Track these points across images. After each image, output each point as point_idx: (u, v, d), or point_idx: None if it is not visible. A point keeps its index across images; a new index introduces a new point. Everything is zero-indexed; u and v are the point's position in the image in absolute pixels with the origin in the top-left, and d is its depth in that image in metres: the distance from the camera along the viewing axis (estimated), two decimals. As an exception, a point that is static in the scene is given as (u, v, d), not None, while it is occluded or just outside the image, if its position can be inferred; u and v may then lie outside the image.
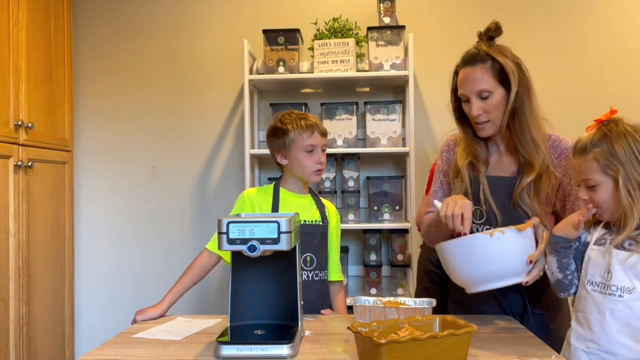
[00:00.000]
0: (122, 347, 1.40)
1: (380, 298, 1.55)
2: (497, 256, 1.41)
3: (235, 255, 1.44)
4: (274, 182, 1.89)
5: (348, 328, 1.23)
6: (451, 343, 1.16)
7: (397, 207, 2.71)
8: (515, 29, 2.83)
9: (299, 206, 1.82)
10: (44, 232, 2.62)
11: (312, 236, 1.79)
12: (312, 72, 2.67)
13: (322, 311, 1.76)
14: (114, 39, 3.02)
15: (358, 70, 2.73)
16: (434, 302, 1.50)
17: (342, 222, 2.67)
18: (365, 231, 2.74)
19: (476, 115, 1.60)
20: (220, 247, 1.32)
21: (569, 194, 1.62)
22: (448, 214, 1.49)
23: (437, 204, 1.55)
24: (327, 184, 2.75)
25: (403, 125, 2.72)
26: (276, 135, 1.83)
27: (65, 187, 2.84)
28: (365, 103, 2.74)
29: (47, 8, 2.67)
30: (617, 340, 1.33)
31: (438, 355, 1.15)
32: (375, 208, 2.72)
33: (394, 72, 2.62)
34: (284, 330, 1.40)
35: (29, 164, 2.46)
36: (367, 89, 2.93)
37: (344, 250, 2.72)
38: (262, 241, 1.31)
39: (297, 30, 2.73)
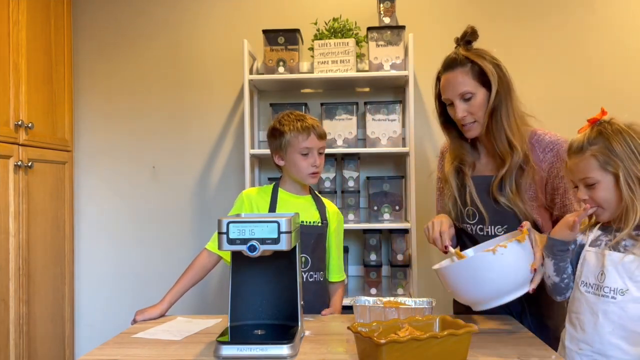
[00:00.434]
0: (122, 347, 1.40)
1: (380, 298, 1.56)
2: (504, 272, 1.40)
3: (235, 255, 1.44)
4: (273, 183, 1.90)
5: (348, 328, 1.23)
6: (451, 343, 1.16)
7: (397, 207, 2.71)
8: (515, 29, 2.84)
9: (298, 207, 1.82)
10: (44, 232, 2.62)
11: (309, 237, 1.79)
12: (312, 72, 2.67)
13: (323, 311, 1.77)
14: (114, 39, 3.02)
15: (358, 71, 2.73)
16: (434, 302, 1.50)
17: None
18: (365, 231, 2.74)
19: (461, 117, 1.65)
20: (220, 247, 1.32)
21: (557, 187, 1.65)
22: (431, 238, 1.64)
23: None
24: (327, 184, 2.75)
25: (403, 125, 2.72)
26: (274, 136, 1.84)
27: (65, 187, 2.84)
28: (365, 103, 2.74)
29: (47, 8, 2.67)
30: (609, 342, 1.34)
31: (438, 355, 1.15)
32: (375, 208, 2.72)
33: (394, 72, 2.62)
34: (284, 330, 1.40)
35: (29, 164, 2.46)
36: (367, 89, 2.93)
37: (344, 250, 2.71)
38: (262, 241, 1.31)
39: (297, 30, 2.73)
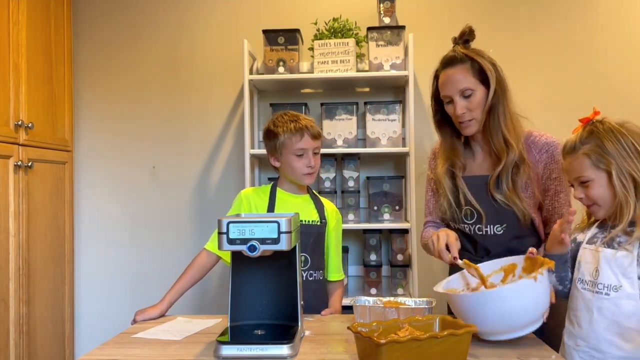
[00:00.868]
0: (122, 347, 1.40)
1: (380, 298, 1.56)
2: (536, 302, 1.32)
3: (235, 255, 1.44)
4: (272, 183, 1.90)
5: (348, 328, 1.23)
6: (451, 343, 1.16)
7: (397, 207, 2.71)
8: (515, 29, 2.84)
9: (296, 206, 1.82)
10: (44, 232, 2.62)
11: (307, 236, 1.80)
12: (312, 72, 2.67)
13: (322, 312, 1.77)
14: (114, 39, 3.02)
15: (358, 71, 2.73)
16: (433, 302, 1.50)
17: (342, 222, 2.69)
18: (365, 231, 2.74)
19: (460, 114, 1.66)
20: (220, 247, 1.32)
21: (548, 188, 1.67)
22: (437, 251, 1.58)
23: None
24: (327, 184, 2.75)
25: (403, 125, 2.72)
26: (269, 138, 1.85)
27: (65, 187, 2.84)
28: (365, 103, 2.73)
29: (47, 8, 2.67)
30: (604, 338, 1.35)
31: (438, 355, 1.15)
32: (375, 208, 2.72)
33: (394, 72, 2.62)
34: (284, 330, 1.40)
35: (29, 164, 2.46)
36: (367, 89, 2.93)
37: (344, 250, 2.71)
38: (262, 241, 1.31)
39: (297, 30, 2.73)
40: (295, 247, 1.42)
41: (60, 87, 2.79)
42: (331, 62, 2.64)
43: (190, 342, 1.44)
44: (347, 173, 2.76)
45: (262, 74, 2.76)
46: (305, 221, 1.82)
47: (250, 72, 2.78)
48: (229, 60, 2.93)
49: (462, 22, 2.82)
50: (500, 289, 1.33)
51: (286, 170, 1.83)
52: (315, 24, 2.78)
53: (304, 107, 2.72)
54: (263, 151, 2.60)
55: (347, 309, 1.85)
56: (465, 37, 1.70)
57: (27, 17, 2.48)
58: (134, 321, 1.68)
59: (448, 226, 1.81)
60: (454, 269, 1.83)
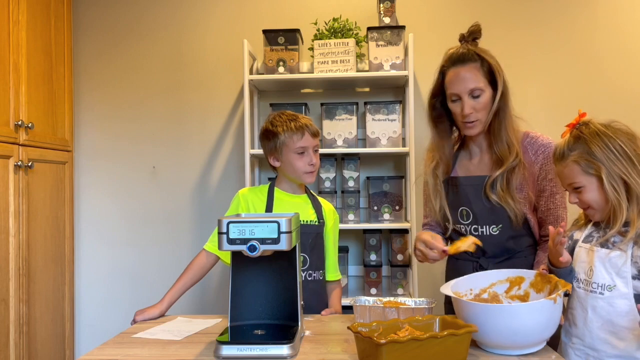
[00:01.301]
0: (122, 347, 1.40)
1: (380, 298, 1.56)
2: (554, 320, 1.29)
3: (235, 255, 1.44)
4: (269, 182, 1.90)
5: (348, 328, 1.23)
6: (451, 343, 1.16)
7: (397, 207, 2.71)
8: (515, 30, 2.84)
9: (294, 206, 1.82)
10: (44, 232, 2.62)
11: (306, 236, 1.80)
12: (312, 72, 2.67)
13: (323, 311, 1.77)
14: (114, 39, 3.02)
15: (358, 71, 2.73)
16: (433, 302, 1.50)
17: (342, 222, 2.69)
18: (365, 231, 2.74)
19: (468, 113, 1.64)
20: (220, 247, 1.32)
21: (543, 189, 1.67)
22: (422, 257, 1.62)
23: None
24: (327, 184, 2.75)
25: (403, 125, 2.72)
26: (267, 137, 1.84)
27: (65, 187, 2.84)
28: (365, 103, 2.74)
29: (47, 8, 2.67)
30: (599, 337, 1.36)
31: (438, 355, 1.15)
32: (375, 208, 2.72)
33: (394, 72, 2.62)
34: (284, 330, 1.40)
35: (29, 164, 2.46)
36: (367, 89, 2.93)
37: (344, 250, 2.72)
38: (262, 241, 1.31)
39: (297, 30, 2.73)
40: (295, 247, 1.42)
41: (60, 87, 2.79)
42: (331, 62, 2.64)
43: (190, 342, 1.44)
44: (347, 173, 2.76)
45: (262, 74, 2.76)
46: (303, 221, 1.82)
47: (250, 72, 2.78)
48: (229, 60, 2.93)
49: (462, 22, 2.84)
50: (518, 306, 1.29)
51: (287, 170, 1.83)
52: (315, 24, 2.78)
53: (304, 107, 2.72)
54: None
55: (347, 309, 1.85)
56: (474, 35, 1.67)
57: (27, 17, 2.48)
58: (134, 321, 1.68)
59: (445, 227, 1.81)
60: (453, 268, 1.83)
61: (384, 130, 2.69)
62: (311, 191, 1.94)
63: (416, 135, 2.64)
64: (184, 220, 2.98)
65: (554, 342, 1.44)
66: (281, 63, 2.70)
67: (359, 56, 2.77)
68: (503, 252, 1.69)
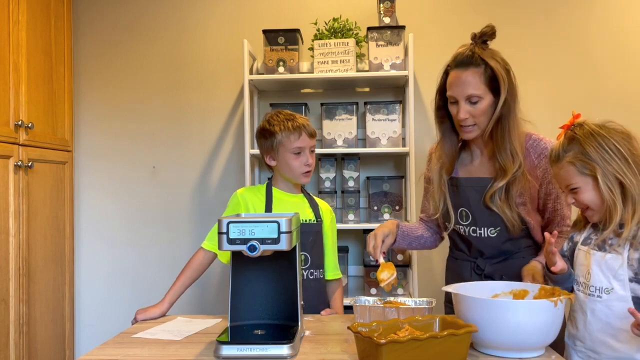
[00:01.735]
0: (122, 347, 1.40)
1: (380, 298, 1.56)
2: (557, 324, 1.29)
3: (235, 255, 1.44)
4: (266, 182, 1.89)
5: (348, 328, 1.23)
6: (451, 343, 1.16)
7: (397, 207, 2.71)
8: (515, 30, 2.84)
9: (293, 205, 1.83)
10: (44, 232, 2.62)
11: (306, 235, 1.80)
12: (312, 72, 2.67)
13: (322, 312, 1.77)
14: (114, 39, 3.02)
15: (358, 71, 2.73)
16: (433, 302, 1.50)
17: (342, 222, 2.70)
18: (365, 231, 2.74)
19: (463, 119, 1.62)
20: (220, 247, 1.32)
21: (549, 192, 1.66)
22: (368, 250, 1.67)
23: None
24: (327, 184, 2.75)
25: (403, 125, 2.72)
26: (264, 136, 1.83)
27: (65, 187, 2.84)
28: (365, 103, 2.73)
29: (47, 8, 2.67)
30: (598, 339, 1.36)
31: (438, 355, 1.15)
32: (375, 208, 2.72)
33: (394, 72, 2.62)
34: (284, 330, 1.40)
35: (29, 164, 2.46)
36: (367, 89, 2.93)
37: (344, 250, 2.72)
38: (262, 241, 1.31)
39: (297, 30, 2.73)
40: (295, 247, 1.42)
41: (60, 87, 2.79)
42: (331, 62, 2.64)
43: (190, 342, 1.44)
44: (347, 173, 2.76)
45: (262, 74, 2.76)
46: (303, 220, 1.82)
47: (250, 72, 2.78)
48: (229, 60, 2.93)
49: (462, 22, 2.85)
50: (518, 302, 1.30)
51: (283, 169, 1.83)
52: (315, 24, 2.78)
53: (304, 107, 2.72)
54: (263, 151, 2.61)
55: (347, 309, 1.86)
56: (485, 37, 1.62)
57: (27, 17, 2.48)
58: (135, 320, 1.68)
59: (445, 227, 1.81)
60: (452, 268, 1.83)
61: (384, 130, 2.69)
62: (306, 190, 1.94)
63: (416, 135, 2.64)
64: (184, 220, 2.98)
65: (559, 346, 1.45)
66: (281, 63, 2.70)
67: (359, 56, 2.77)
68: (500, 253, 1.69)
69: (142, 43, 3.01)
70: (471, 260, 1.73)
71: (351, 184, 2.74)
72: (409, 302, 1.54)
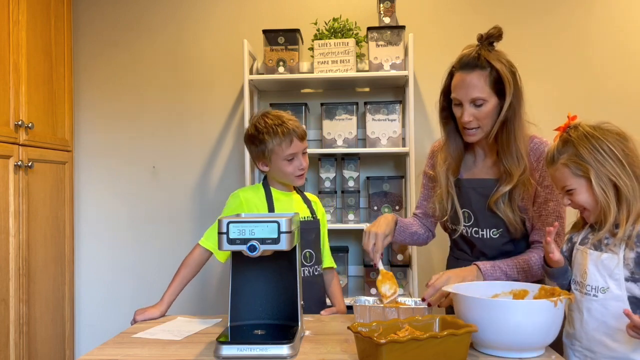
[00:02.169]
0: (122, 347, 1.40)
1: (380, 298, 1.56)
2: (558, 324, 1.29)
3: (235, 255, 1.44)
4: (262, 182, 1.89)
5: (348, 328, 1.23)
6: (451, 343, 1.16)
7: (397, 207, 2.71)
8: (515, 31, 2.84)
9: (292, 204, 1.84)
10: (44, 232, 2.62)
11: (309, 232, 1.81)
12: (312, 72, 2.67)
13: (322, 311, 1.77)
14: (115, 39, 3.02)
15: (358, 70, 2.73)
16: (433, 302, 1.50)
17: (342, 222, 2.71)
18: (366, 231, 2.74)
19: (467, 121, 1.61)
20: (220, 247, 1.32)
21: (538, 194, 1.65)
22: (366, 249, 1.64)
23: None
24: (327, 184, 2.75)
25: (403, 125, 2.72)
26: (254, 143, 1.80)
27: (65, 187, 2.84)
28: (365, 103, 2.73)
29: (47, 8, 2.67)
30: (594, 338, 1.37)
31: (438, 355, 1.15)
32: (375, 208, 2.72)
33: (394, 72, 2.62)
34: (284, 330, 1.40)
35: (29, 164, 2.46)
36: (367, 89, 2.93)
37: (344, 250, 2.73)
38: (262, 241, 1.31)
39: (297, 30, 2.73)
40: (295, 247, 1.42)
41: (60, 87, 2.79)
42: (331, 62, 2.64)
43: (190, 342, 1.44)
44: (347, 173, 2.76)
45: (262, 74, 2.76)
46: (303, 218, 1.83)
47: (250, 72, 2.78)
48: (229, 60, 2.93)
49: (462, 22, 2.85)
50: (517, 302, 1.30)
51: (276, 175, 1.82)
52: (315, 24, 2.78)
53: (304, 107, 2.72)
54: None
55: (347, 309, 1.86)
56: (492, 39, 1.60)
57: (27, 17, 2.48)
58: (134, 321, 1.68)
59: (445, 226, 1.81)
60: (453, 268, 1.83)
61: (384, 130, 2.69)
62: (298, 189, 1.93)
63: (416, 135, 2.64)
64: (184, 220, 2.98)
65: (558, 345, 1.45)
66: (281, 63, 2.70)
67: (359, 56, 2.77)
68: (502, 254, 1.69)
69: (142, 43, 3.01)
70: (472, 260, 1.73)
71: (351, 184, 2.74)
72: (409, 302, 1.54)
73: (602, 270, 1.36)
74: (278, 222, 1.31)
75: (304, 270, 1.79)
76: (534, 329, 1.25)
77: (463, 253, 1.78)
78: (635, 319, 1.21)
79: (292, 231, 1.34)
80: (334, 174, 2.76)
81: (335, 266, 1.96)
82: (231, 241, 1.31)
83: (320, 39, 2.70)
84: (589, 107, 2.76)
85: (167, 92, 3.00)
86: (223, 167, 2.98)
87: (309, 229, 1.81)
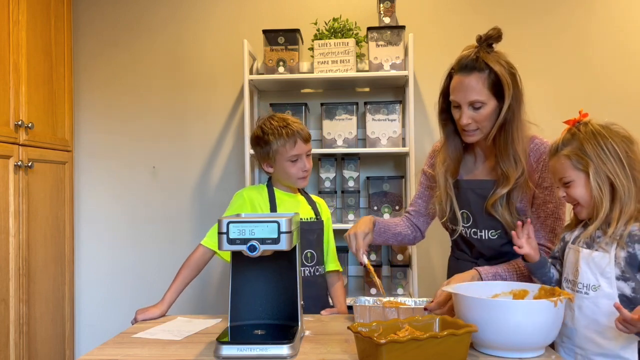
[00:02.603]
0: (122, 347, 1.40)
1: (380, 298, 1.56)
2: (558, 323, 1.30)
3: (235, 255, 1.44)
4: (266, 182, 1.91)
5: (348, 328, 1.23)
6: (451, 343, 1.16)
7: (397, 207, 2.71)
8: (515, 31, 2.84)
9: (295, 205, 1.85)
10: (44, 232, 2.62)
11: (311, 233, 1.82)
12: (312, 72, 2.67)
13: (323, 311, 1.77)
14: (114, 39, 3.02)
15: (358, 70, 2.73)
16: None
17: (342, 222, 2.71)
18: (365, 231, 2.74)
19: (465, 124, 1.61)
20: (220, 247, 1.32)
21: (536, 196, 1.64)
22: (352, 251, 1.68)
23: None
24: (327, 184, 2.75)
25: (403, 125, 2.72)
26: (259, 145, 1.83)
27: (65, 187, 2.84)
28: (365, 103, 2.74)
29: (47, 8, 2.67)
30: (585, 336, 1.38)
31: (438, 355, 1.15)
32: (375, 208, 2.72)
33: (394, 72, 2.62)
34: (284, 330, 1.40)
35: (29, 164, 2.46)
36: (367, 89, 2.93)
37: (344, 250, 2.72)
38: (262, 241, 1.31)
39: (297, 30, 2.73)
40: (295, 247, 1.42)
41: (60, 87, 2.79)
42: (331, 62, 2.64)
43: (190, 342, 1.44)
44: (347, 173, 2.76)
45: (262, 74, 2.77)
46: (305, 219, 1.84)
47: (250, 72, 2.78)
48: (229, 60, 2.94)
49: (462, 22, 2.85)
50: (517, 302, 1.31)
51: (281, 176, 1.84)
52: (315, 24, 2.78)
53: (304, 107, 2.72)
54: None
55: (347, 309, 1.86)
56: (491, 40, 1.59)
57: (27, 17, 2.48)
58: (135, 320, 1.68)
59: (445, 226, 1.81)
60: (454, 268, 1.83)
61: (384, 130, 2.69)
62: (303, 190, 1.95)
63: (416, 135, 2.64)
64: (184, 220, 2.98)
65: (552, 344, 1.45)
66: (281, 63, 2.70)
67: (359, 56, 2.77)
68: (500, 255, 1.69)
69: (142, 43, 3.01)
70: (472, 261, 1.73)
71: (351, 184, 2.74)
72: (409, 302, 1.54)
73: (593, 268, 1.38)
74: (278, 222, 1.31)
75: (304, 271, 1.80)
76: (534, 329, 1.25)
77: (463, 253, 1.78)
78: (625, 312, 1.22)
79: (292, 231, 1.34)
80: (334, 174, 2.76)
81: (341, 269, 1.97)
82: (231, 241, 1.31)
83: (320, 39, 2.70)
84: (589, 107, 2.72)
85: (167, 92, 3.00)
86: (223, 167, 2.98)
87: (311, 229, 1.82)
